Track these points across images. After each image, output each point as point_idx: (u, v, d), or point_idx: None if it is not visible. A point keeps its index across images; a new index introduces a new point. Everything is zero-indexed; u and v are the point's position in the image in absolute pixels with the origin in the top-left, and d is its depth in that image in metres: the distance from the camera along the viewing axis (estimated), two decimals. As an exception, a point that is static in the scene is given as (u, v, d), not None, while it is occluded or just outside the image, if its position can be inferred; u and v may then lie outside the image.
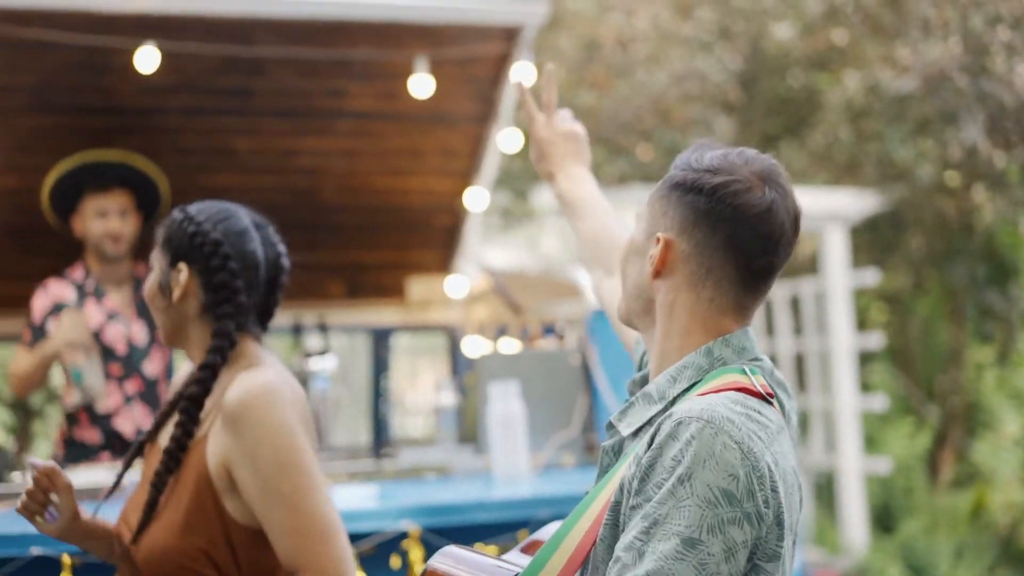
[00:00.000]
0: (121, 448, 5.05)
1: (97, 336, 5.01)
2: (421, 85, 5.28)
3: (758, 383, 1.89)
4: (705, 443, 1.73)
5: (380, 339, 6.42)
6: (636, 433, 1.94)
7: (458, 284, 6.13)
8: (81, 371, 4.86)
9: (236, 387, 2.49)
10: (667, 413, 1.83)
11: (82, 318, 4.90)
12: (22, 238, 5.55)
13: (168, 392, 2.89)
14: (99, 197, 5.01)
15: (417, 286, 6.15)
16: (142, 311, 5.08)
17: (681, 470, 1.72)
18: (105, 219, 5.01)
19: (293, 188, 5.68)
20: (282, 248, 2.68)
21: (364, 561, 3.96)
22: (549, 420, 4.75)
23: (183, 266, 2.59)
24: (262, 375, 2.50)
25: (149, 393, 5.07)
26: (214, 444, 2.52)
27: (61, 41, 4.90)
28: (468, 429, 4.93)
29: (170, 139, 5.42)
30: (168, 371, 5.24)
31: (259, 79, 5.36)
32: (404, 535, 3.98)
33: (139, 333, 5.08)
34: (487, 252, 8.87)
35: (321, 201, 5.78)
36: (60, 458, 5.18)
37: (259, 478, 2.45)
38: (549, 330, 5.38)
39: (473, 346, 5.93)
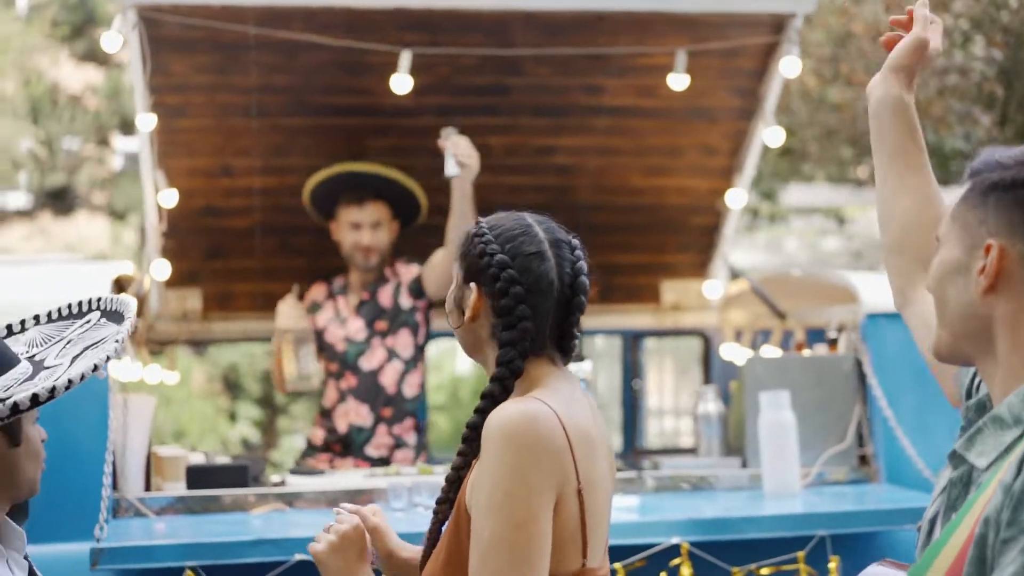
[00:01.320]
0: (338, 447, 5.10)
1: (321, 335, 5.18)
2: (681, 80, 5.08)
3: None
4: None
5: (633, 343, 6.25)
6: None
7: (714, 287, 5.91)
8: (297, 358, 4.94)
9: (494, 414, 2.33)
10: None
11: (298, 306, 5.11)
12: (281, 238, 5.57)
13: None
14: (353, 209, 5.09)
15: (671, 289, 5.95)
16: (361, 308, 5.18)
17: None
18: (358, 232, 5.10)
19: (547, 187, 5.54)
20: (583, 265, 2.49)
21: (631, 576, 3.79)
22: (820, 431, 4.49)
23: (473, 286, 2.45)
24: (524, 404, 2.32)
25: (363, 387, 5.15)
26: (475, 472, 2.37)
27: (319, 42, 4.88)
28: (733, 439, 4.70)
29: (423, 140, 5.35)
30: (406, 362, 5.18)
31: (515, 77, 5.25)
32: (675, 550, 3.80)
33: (357, 329, 5.16)
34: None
35: (575, 201, 5.63)
36: (303, 460, 5.27)
37: (474, 512, 2.29)
38: (815, 335, 5.12)
39: (729, 352, 5.70)
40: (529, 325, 2.40)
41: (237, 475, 4.34)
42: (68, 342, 2.59)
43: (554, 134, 5.50)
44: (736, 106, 5.44)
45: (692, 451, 5.71)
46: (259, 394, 12.95)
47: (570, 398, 2.39)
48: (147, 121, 4.95)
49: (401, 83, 4.99)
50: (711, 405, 4.66)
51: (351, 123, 5.36)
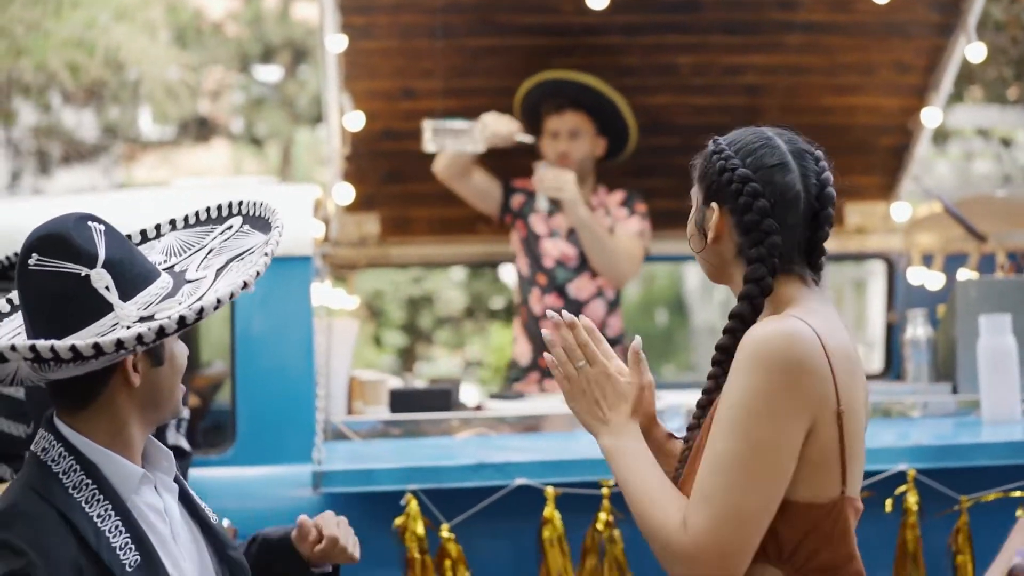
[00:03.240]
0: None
1: (535, 243, 5.13)
2: (883, -8, 4.91)
3: None
4: None
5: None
6: None
7: (901, 210, 5.73)
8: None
9: (752, 331, 2.24)
10: None
11: (507, 122, 4.98)
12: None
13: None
14: (553, 118, 5.02)
15: (856, 212, 5.78)
16: (572, 236, 5.09)
17: None
18: (556, 140, 5.01)
19: (734, 108, 5.39)
20: (828, 176, 2.39)
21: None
22: (1038, 357, 4.33)
23: (715, 206, 2.36)
24: (784, 323, 2.23)
25: (571, 311, 4.99)
26: (724, 389, 2.29)
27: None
28: (941, 365, 4.56)
29: (610, 58, 5.24)
30: (610, 303, 5.13)
31: (707, -8, 5.11)
32: (900, 478, 3.69)
33: (570, 255, 5.11)
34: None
35: (762, 121, 5.46)
36: (504, 384, 5.22)
37: (714, 427, 2.23)
38: (1015, 258, 4.94)
39: (918, 276, 5.53)
40: (777, 239, 2.30)
41: (440, 399, 4.32)
42: (210, 251, 2.43)
43: (744, 52, 5.34)
44: (935, 21, 5.23)
45: (879, 376, 5.59)
46: (403, 321, 13.01)
47: (828, 317, 2.29)
48: (337, 42, 4.89)
49: (596, -1, 4.87)
50: (920, 330, 4.52)
51: (535, 43, 5.25)
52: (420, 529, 3.55)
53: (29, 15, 9.42)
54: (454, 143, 4.93)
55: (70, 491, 2.20)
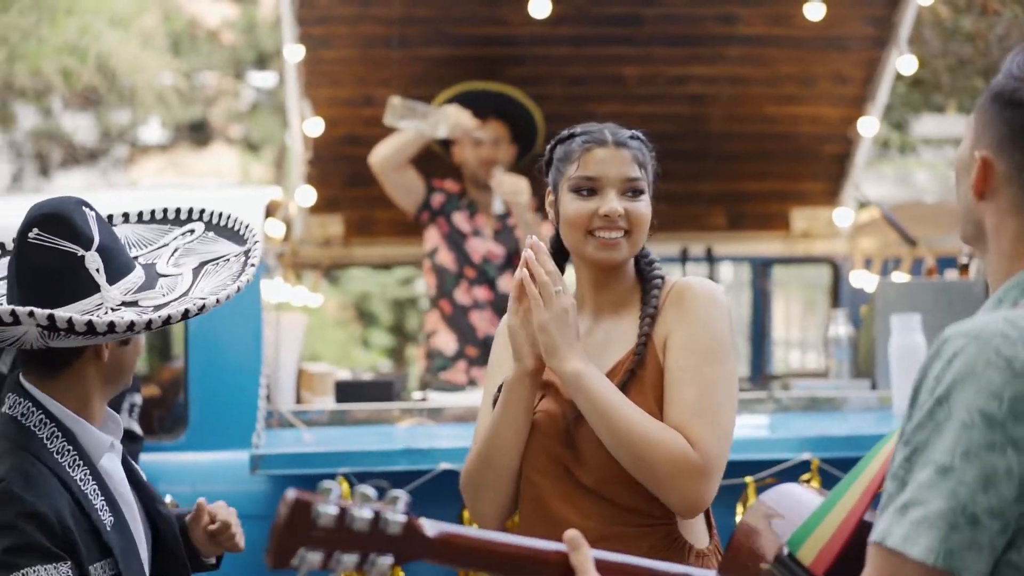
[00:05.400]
0: (476, 354, 5.23)
1: (459, 240, 5.36)
2: (818, 9, 5.13)
3: None
4: (967, 360, 1.51)
5: (762, 270, 6.34)
6: None
7: (844, 215, 5.96)
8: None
9: (702, 284, 2.57)
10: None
11: (469, 116, 5.17)
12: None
13: None
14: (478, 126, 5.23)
15: (801, 217, 6.01)
16: (499, 235, 5.38)
17: (940, 391, 1.51)
18: (480, 147, 5.22)
19: (679, 117, 5.63)
20: None
21: (763, 491, 3.90)
22: (950, 355, 4.54)
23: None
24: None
25: (501, 303, 5.26)
26: (660, 327, 2.54)
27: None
28: (862, 363, 4.78)
29: (558, 69, 5.48)
30: None
31: (650, 7, 5.34)
32: (805, 466, 3.90)
33: (497, 253, 5.38)
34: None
35: (707, 130, 5.72)
36: (427, 374, 5.44)
37: (687, 353, 2.48)
38: (945, 263, 5.15)
39: (859, 279, 5.76)
40: None
41: (383, 390, 4.54)
42: (175, 250, 2.60)
43: (687, 63, 5.58)
44: (869, 35, 5.47)
45: (820, 375, 5.81)
46: (390, 322, 13.24)
47: None
48: (294, 52, 5.14)
49: (540, 7, 5.12)
50: (842, 328, 4.73)
51: (488, 52, 5.50)
52: (350, 510, 3.76)
53: (24, 22, 9.66)
54: (414, 123, 5.14)
55: (55, 455, 2.36)
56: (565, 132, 2.65)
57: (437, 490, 3.79)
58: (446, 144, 5.40)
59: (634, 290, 2.63)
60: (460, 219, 5.42)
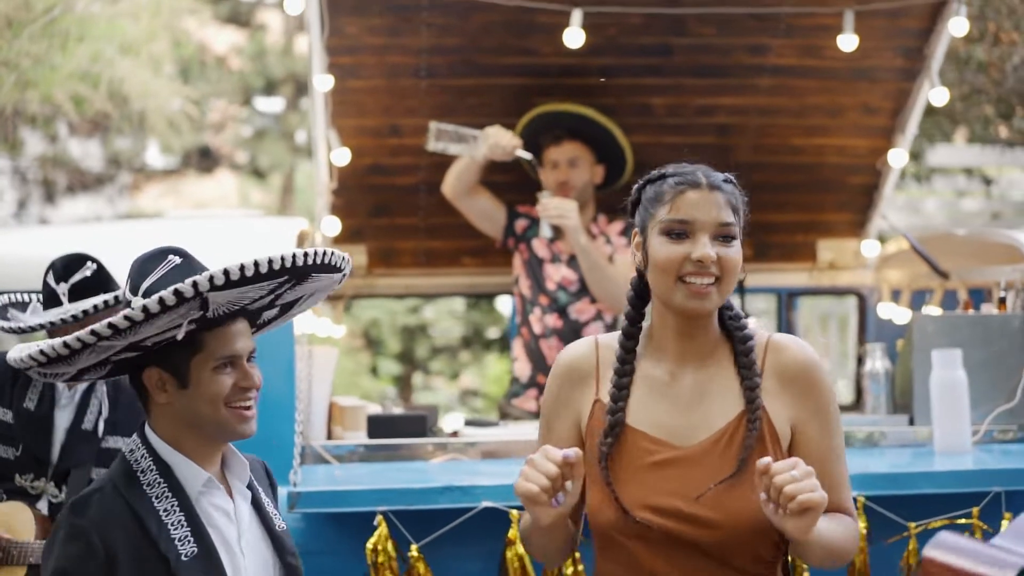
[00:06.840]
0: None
1: (537, 266, 5.34)
2: (850, 40, 5.10)
3: None
4: None
5: (788, 301, 6.29)
6: None
7: (871, 247, 5.92)
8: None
9: (804, 351, 2.61)
10: None
11: (510, 137, 5.18)
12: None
13: None
14: (552, 149, 5.25)
15: (827, 248, 5.97)
16: (573, 262, 5.30)
17: None
18: (556, 170, 5.25)
19: (707, 146, 5.59)
20: None
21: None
22: (989, 390, 4.50)
23: None
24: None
25: (569, 331, 5.29)
26: (773, 399, 2.54)
27: (490, 1, 4.98)
28: (899, 397, 4.73)
29: (588, 99, 5.44)
30: (607, 326, 5.32)
31: (680, 37, 5.31)
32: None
33: (571, 279, 5.31)
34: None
35: (734, 160, 5.68)
36: (503, 400, 5.42)
37: (828, 435, 2.56)
38: (977, 295, 5.11)
39: (887, 311, 5.71)
40: None
41: (416, 424, 4.49)
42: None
43: (716, 94, 5.55)
44: (899, 66, 5.44)
45: (850, 408, 5.76)
46: (399, 350, 13.19)
47: None
48: (324, 81, 5.10)
49: (574, 37, 5.09)
50: (879, 363, 4.69)
51: (517, 83, 5.46)
52: (390, 549, 3.72)
53: (36, 48, 9.62)
54: (456, 147, 5.14)
55: (143, 487, 2.55)
56: (655, 172, 2.60)
57: (479, 529, 3.75)
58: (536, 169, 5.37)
59: (720, 342, 2.59)
60: (539, 245, 5.39)
